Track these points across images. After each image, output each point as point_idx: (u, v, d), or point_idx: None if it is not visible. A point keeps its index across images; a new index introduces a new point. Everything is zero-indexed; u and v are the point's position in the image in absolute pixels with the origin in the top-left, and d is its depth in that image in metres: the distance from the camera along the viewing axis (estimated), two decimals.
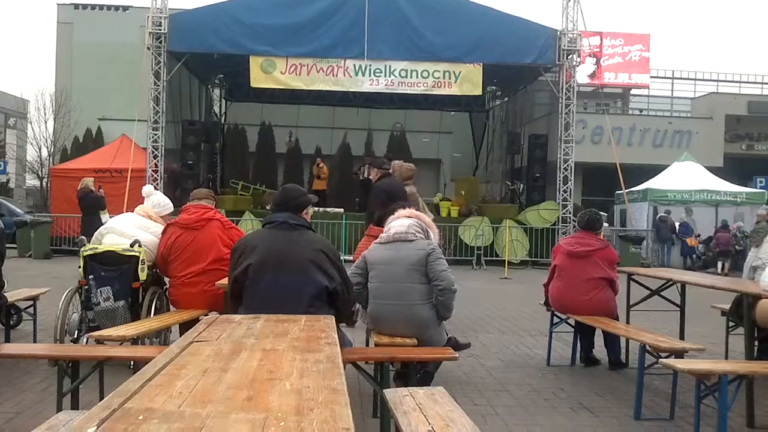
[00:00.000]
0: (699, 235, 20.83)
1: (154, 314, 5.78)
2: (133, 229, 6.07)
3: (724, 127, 31.89)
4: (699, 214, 21.34)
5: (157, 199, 6.42)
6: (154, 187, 17.30)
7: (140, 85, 18.29)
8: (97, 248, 5.83)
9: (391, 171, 8.06)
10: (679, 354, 4.91)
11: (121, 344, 4.85)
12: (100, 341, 4.90)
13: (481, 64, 18.00)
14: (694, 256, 20.82)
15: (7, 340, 6.50)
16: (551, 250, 7.22)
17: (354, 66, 17.83)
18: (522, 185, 21.18)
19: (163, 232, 6.05)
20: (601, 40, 32.47)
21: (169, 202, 6.56)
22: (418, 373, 4.79)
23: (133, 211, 6.48)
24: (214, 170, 22.91)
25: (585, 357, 6.61)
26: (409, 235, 4.87)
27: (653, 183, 22.35)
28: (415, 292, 4.77)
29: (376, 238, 5.24)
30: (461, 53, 17.83)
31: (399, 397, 3.37)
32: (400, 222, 4.96)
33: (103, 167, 19.05)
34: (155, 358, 2.35)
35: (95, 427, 1.60)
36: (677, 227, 20.62)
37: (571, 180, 18.69)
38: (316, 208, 17.06)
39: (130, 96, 19.94)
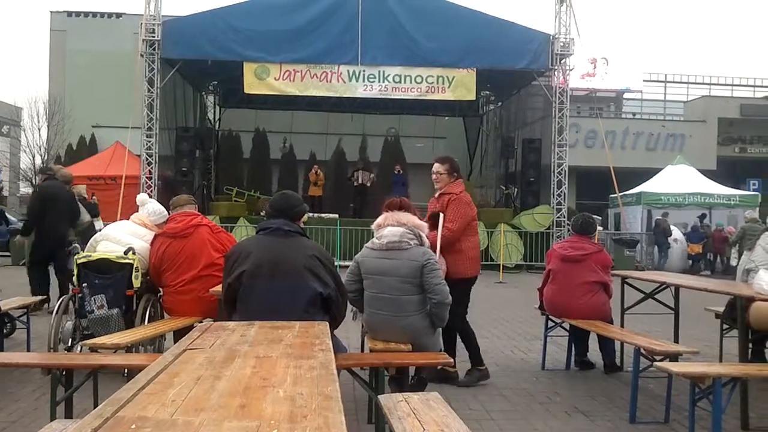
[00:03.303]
0: (705, 239, 20.62)
1: (148, 322, 5.77)
2: (128, 236, 6.05)
3: (717, 130, 32.02)
4: (692, 217, 21.41)
5: (152, 208, 6.40)
6: (149, 194, 17.32)
7: (134, 93, 18.27)
8: (90, 256, 5.81)
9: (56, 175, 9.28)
10: (674, 357, 4.93)
11: (115, 352, 4.84)
12: (93, 349, 4.89)
13: (475, 69, 18.06)
14: (701, 262, 20.56)
15: (1, 348, 6.46)
16: (546, 254, 7.23)
17: (348, 72, 17.85)
18: (516, 189, 21.22)
19: (152, 243, 6.02)
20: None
21: (165, 210, 6.53)
22: (412, 380, 4.79)
23: (128, 219, 6.46)
24: (209, 177, 22.88)
25: (580, 361, 6.62)
26: (403, 243, 4.77)
27: (647, 186, 22.42)
28: (410, 303, 4.74)
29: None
30: (455, 58, 17.88)
31: (393, 403, 3.36)
32: (392, 230, 4.84)
33: (96, 174, 19.02)
34: (148, 366, 2.35)
35: None
36: (672, 231, 20.59)
37: (565, 184, 18.74)
38: (310, 214, 17.08)
39: (124, 103, 19.92)
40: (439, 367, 5.77)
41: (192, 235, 5.95)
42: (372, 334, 4.91)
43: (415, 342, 4.73)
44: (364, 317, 4.96)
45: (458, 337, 5.89)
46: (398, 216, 4.92)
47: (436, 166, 5.96)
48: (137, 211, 6.42)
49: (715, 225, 20.86)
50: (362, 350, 5.54)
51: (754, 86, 37.19)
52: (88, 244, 6.13)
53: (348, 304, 4.55)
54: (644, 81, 35.23)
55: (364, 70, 17.84)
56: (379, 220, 4.98)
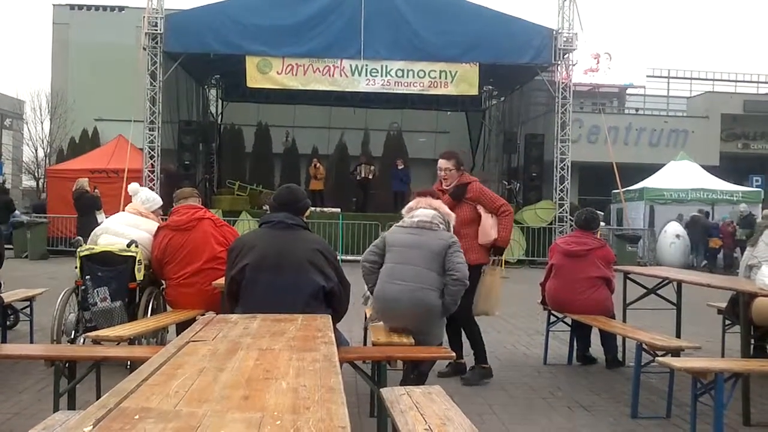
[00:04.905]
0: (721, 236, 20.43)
1: (151, 314, 5.78)
2: (125, 227, 6.06)
3: (720, 126, 31.92)
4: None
5: (145, 195, 6.42)
6: (151, 188, 17.32)
7: (136, 86, 18.26)
8: (93, 248, 5.82)
9: None
10: (676, 352, 4.92)
11: (118, 344, 4.85)
12: (96, 341, 4.90)
13: (478, 63, 18.02)
14: (719, 256, 20.12)
15: (4, 340, 6.48)
16: (548, 249, 7.23)
17: (350, 66, 17.83)
18: (519, 185, 21.19)
19: (155, 236, 6.04)
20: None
21: (157, 196, 6.58)
22: (412, 374, 4.80)
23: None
24: (211, 170, 22.89)
25: (582, 355, 6.62)
26: (434, 225, 4.97)
27: (649, 182, 22.39)
28: (429, 278, 4.82)
29: None
30: (457, 53, 17.84)
31: (396, 396, 3.37)
32: (424, 212, 5.04)
33: (99, 168, 19.00)
34: (151, 358, 2.35)
35: (91, 427, 1.60)
36: (676, 226, 20.38)
37: (567, 179, 18.72)
38: (313, 208, 17.06)
39: (127, 96, 19.89)
40: (447, 364, 5.80)
41: (195, 228, 5.96)
42: (382, 313, 4.95)
43: (422, 322, 4.79)
44: (376, 290, 4.98)
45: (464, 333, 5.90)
46: (430, 200, 5.16)
47: (443, 163, 5.93)
48: (131, 202, 6.43)
49: (721, 219, 20.71)
50: (365, 344, 5.55)
51: (757, 82, 37.07)
52: (90, 238, 6.15)
53: (366, 291, 4.82)
54: (647, 76, 35.19)
55: (366, 65, 17.81)
56: (411, 203, 5.20)
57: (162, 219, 6.49)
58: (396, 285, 4.84)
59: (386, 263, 4.97)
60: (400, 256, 4.91)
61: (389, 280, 4.89)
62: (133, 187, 6.59)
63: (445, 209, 5.16)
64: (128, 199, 6.67)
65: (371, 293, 5.08)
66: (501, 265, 6.01)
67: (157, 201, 6.44)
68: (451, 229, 5.09)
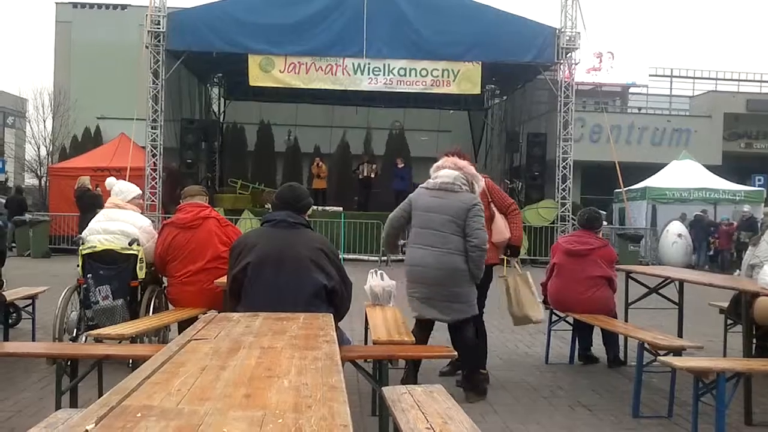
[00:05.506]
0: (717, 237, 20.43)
1: (153, 313, 5.79)
2: (106, 223, 6.05)
3: (723, 125, 31.82)
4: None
5: (118, 188, 6.43)
6: (153, 186, 17.35)
7: (139, 84, 18.26)
8: (95, 247, 5.83)
9: None
10: (678, 352, 4.93)
11: (119, 342, 4.86)
12: (98, 339, 4.91)
13: (480, 62, 17.99)
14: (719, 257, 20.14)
15: (6, 338, 6.50)
16: (550, 249, 7.23)
17: (353, 64, 17.81)
18: (521, 184, 21.18)
19: (160, 233, 6.06)
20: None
21: (133, 186, 6.58)
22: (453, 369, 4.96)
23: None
24: (213, 169, 22.90)
25: (583, 355, 6.62)
26: (456, 186, 5.02)
27: (652, 181, 22.36)
28: (453, 241, 4.91)
29: None
30: (460, 52, 17.82)
31: (397, 395, 3.37)
32: (447, 172, 5.09)
33: (101, 166, 19.00)
34: (153, 356, 2.36)
35: (93, 425, 1.60)
36: (677, 226, 20.36)
37: (569, 178, 18.70)
38: (315, 207, 17.07)
39: (129, 95, 19.89)
40: (448, 363, 5.79)
41: (200, 227, 5.96)
42: (411, 278, 5.07)
43: (452, 283, 4.88)
44: (407, 254, 5.13)
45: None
46: (456, 160, 5.22)
47: None
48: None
49: (720, 219, 20.70)
50: (366, 343, 5.55)
51: (760, 81, 36.96)
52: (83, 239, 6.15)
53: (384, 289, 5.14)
54: (650, 75, 35.05)
55: (369, 63, 17.79)
56: (439, 162, 5.27)
57: (165, 217, 6.51)
58: (421, 249, 4.96)
59: (412, 227, 5.10)
60: (424, 221, 5.01)
61: (415, 245, 5.02)
62: (109, 181, 6.60)
63: (471, 170, 5.19)
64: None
65: (386, 250, 5.26)
66: (517, 265, 5.98)
67: (131, 190, 6.43)
68: (477, 191, 5.13)
